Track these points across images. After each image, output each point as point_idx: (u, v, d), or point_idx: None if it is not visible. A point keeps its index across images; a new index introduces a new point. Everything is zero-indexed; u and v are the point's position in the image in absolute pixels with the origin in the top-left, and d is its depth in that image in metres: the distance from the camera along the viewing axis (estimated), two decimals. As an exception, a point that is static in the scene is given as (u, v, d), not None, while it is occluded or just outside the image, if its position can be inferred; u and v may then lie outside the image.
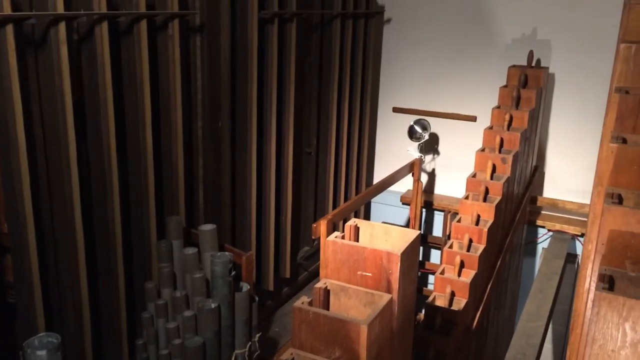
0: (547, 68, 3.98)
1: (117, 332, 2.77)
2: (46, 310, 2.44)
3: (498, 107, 3.53)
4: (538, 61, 4.10)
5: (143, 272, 2.88)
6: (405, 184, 4.50)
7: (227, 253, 2.53)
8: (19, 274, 2.36)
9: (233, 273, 2.52)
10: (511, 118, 3.30)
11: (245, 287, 2.60)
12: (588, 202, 4.01)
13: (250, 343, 2.66)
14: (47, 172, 2.45)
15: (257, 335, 2.72)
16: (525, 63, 3.85)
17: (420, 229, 4.59)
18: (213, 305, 2.44)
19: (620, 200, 2.10)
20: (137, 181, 2.78)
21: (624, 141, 2.25)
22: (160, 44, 2.78)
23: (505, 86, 3.71)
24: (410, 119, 4.41)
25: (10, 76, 2.15)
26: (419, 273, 4.78)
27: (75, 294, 2.55)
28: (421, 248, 4.83)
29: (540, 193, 4.48)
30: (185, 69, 2.95)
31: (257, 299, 2.70)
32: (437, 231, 4.81)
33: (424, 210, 4.70)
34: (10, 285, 2.49)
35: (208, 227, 2.76)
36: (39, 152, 2.41)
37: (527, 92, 3.56)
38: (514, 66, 3.84)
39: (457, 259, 2.59)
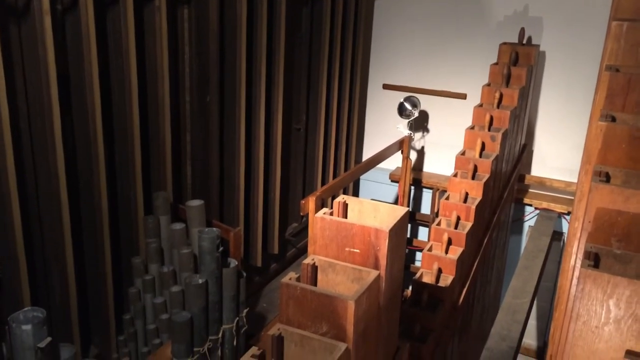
0: (538, 46, 3.96)
1: (104, 307, 2.76)
2: (32, 285, 2.42)
3: (488, 84, 3.52)
4: (529, 39, 4.07)
5: (130, 247, 2.86)
6: (395, 162, 4.50)
7: (214, 229, 2.52)
8: (4, 249, 2.34)
9: (221, 249, 2.51)
10: (501, 96, 3.29)
11: (233, 262, 2.60)
12: (575, 180, 4.03)
13: (237, 318, 2.66)
14: (32, 146, 2.41)
15: (245, 310, 2.73)
16: (516, 40, 3.83)
17: (408, 206, 4.60)
18: (200, 281, 2.44)
19: (607, 179, 2.11)
20: (123, 156, 2.75)
21: (613, 119, 2.25)
22: (146, 16, 2.73)
23: (496, 63, 3.69)
24: (400, 96, 4.38)
25: (-8, 47, 2.10)
26: (407, 250, 4.81)
27: (62, 268, 2.53)
28: (409, 225, 4.85)
29: (528, 171, 4.50)
30: (173, 42, 2.90)
31: (244, 274, 2.69)
32: (426, 209, 4.83)
33: (412, 187, 4.71)
34: (-5, 259, 2.47)
35: (196, 202, 2.75)
36: (23, 125, 2.37)
37: (518, 69, 3.54)
38: (505, 43, 3.82)
39: (445, 236, 2.60)
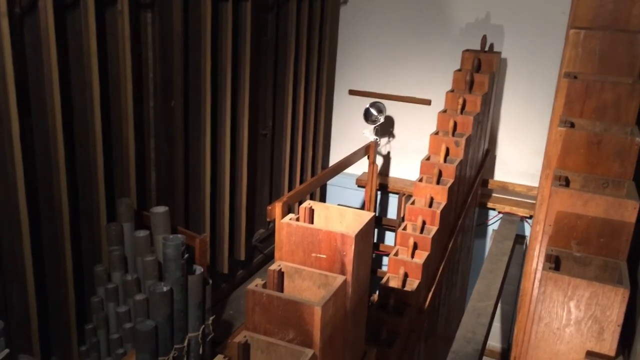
0: (500, 53, 4.04)
1: (65, 317, 2.69)
2: (-11, 296, 2.35)
3: (452, 91, 3.57)
4: (491, 46, 4.16)
5: (92, 255, 2.80)
6: (361, 167, 4.53)
7: (179, 235, 2.49)
8: (-41, 259, 2.26)
9: (186, 256, 2.48)
10: (464, 102, 3.35)
11: (199, 270, 2.56)
12: (537, 185, 4.12)
13: (203, 326, 2.63)
14: (-12, 152, 2.34)
15: (211, 318, 2.70)
16: (478, 47, 3.91)
17: (375, 212, 4.63)
18: (165, 289, 2.40)
19: (567, 183, 2.17)
20: (85, 162, 2.69)
21: (572, 125, 2.31)
22: (108, 20, 2.68)
23: (459, 70, 3.76)
24: (366, 102, 4.42)
25: (-55, 50, 2.03)
26: (374, 255, 4.84)
27: (20, 277, 2.46)
28: (376, 230, 4.88)
29: (492, 176, 4.58)
30: (136, 47, 2.85)
31: (210, 281, 2.67)
32: (392, 213, 4.87)
33: (379, 192, 4.74)
34: (-51, 270, 2.38)
35: (160, 209, 2.70)
36: (-21, 130, 2.30)
37: (480, 76, 3.61)
38: (467, 50, 3.88)
39: (411, 241, 2.63)
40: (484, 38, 3.88)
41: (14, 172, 2.34)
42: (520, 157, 4.45)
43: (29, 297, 2.49)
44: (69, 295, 2.67)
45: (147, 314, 2.53)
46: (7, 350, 1.72)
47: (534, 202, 4.25)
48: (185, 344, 2.55)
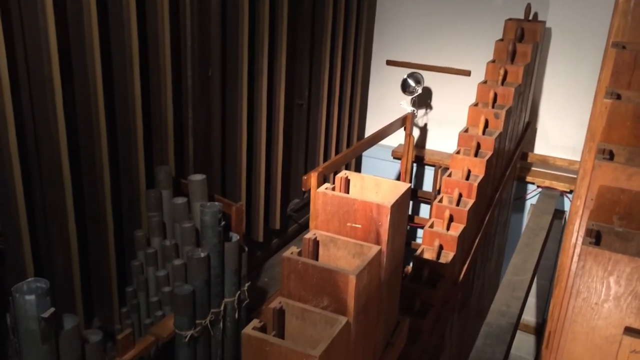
0: (544, 22, 3.91)
1: (107, 279, 2.78)
2: (35, 256, 2.44)
3: (493, 61, 3.48)
4: (535, 15, 4.02)
5: (132, 221, 2.87)
6: (397, 138, 4.49)
7: (216, 203, 2.53)
8: (7, 220, 2.35)
9: (223, 223, 2.52)
10: (506, 73, 3.26)
11: (235, 237, 2.61)
12: (578, 159, 4.01)
13: (239, 292, 2.68)
14: (33, 118, 2.40)
15: (247, 284, 2.75)
16: (522, 16, 3.79)
17: (410, 183, 4.60)
18: (202, 255, 2.45)
19: (611, 156, 2.10)
20: (125, 129, 2.74)
21: (618, 97, 2.23)
22: (148, -12, 2.69)
23: (501, 40, 3.65)
24: (404, 72, 4.35)
25: (-8, 17, 2.08)
26: (408, 227, 4.82)
27: (64, 240, 2.55)
28: (411, 202, 4.85)
29: (532, 149, 4.48)
30: (174, 14, 2.86)
31: (246, 249, 2.71)
32: (428, 186, 4.83)
33: (414, 164, 4.70)
34: (-2, 231, 2.48)
35: (198, 177, 2.75)
36: (24, 97, 2.36)
37: (523, 46, 3.50)
38: (510, 19, 3.77)
39: (447, 213, 2.61)
40: (528, 6, 3.75)
41: (58, 139, 2.40)
42: (562, 130, 4.33)
43: (73, 259, 2.58)
44: (110, 258, 2.76)
45: (185, 278, 2.59)
46: (52, 309, 1.79)
47: (574, 176, 4.15)
48: (222, 308, 2.61)
